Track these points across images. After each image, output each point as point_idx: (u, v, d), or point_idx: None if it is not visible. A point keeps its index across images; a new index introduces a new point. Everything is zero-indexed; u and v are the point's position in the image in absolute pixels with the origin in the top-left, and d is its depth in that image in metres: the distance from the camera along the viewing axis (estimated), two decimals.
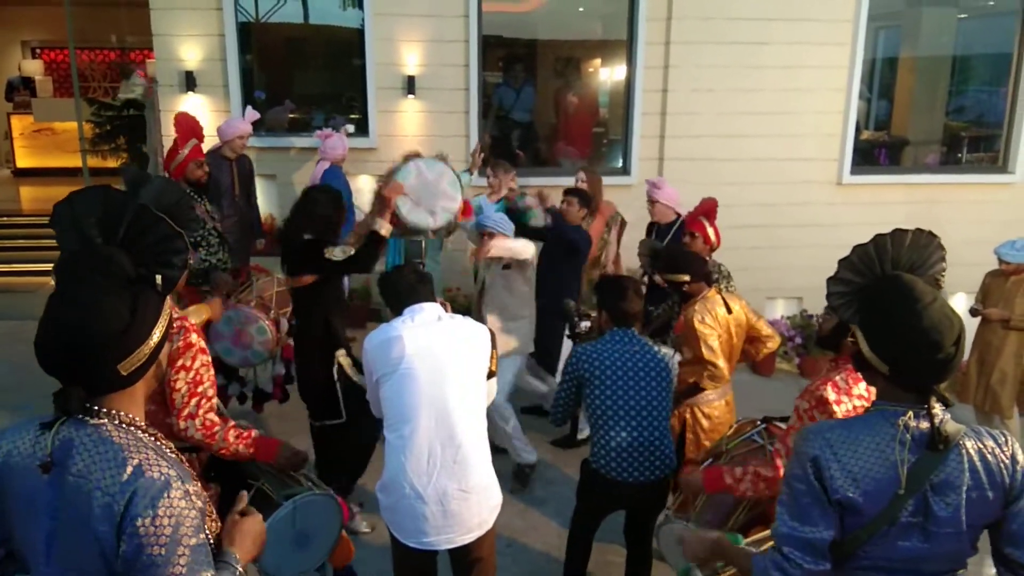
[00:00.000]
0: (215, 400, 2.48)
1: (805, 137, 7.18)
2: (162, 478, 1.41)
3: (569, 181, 5.82)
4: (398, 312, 2.89)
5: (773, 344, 3.87)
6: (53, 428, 1.44)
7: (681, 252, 4.00)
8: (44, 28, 12.64)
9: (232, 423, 2.49)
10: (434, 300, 2.93)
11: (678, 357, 3.81)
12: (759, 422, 2.91)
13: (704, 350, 3.56)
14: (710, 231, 4.46)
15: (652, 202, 5.36)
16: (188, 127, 4.85)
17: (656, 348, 3.31)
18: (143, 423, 1.53)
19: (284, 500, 2.45)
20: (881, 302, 1.68)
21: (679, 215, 5.31)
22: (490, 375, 2.92)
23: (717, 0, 6.81)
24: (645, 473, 3.17)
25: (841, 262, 1.81)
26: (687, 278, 3.67)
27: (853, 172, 7.35)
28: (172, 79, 6.71)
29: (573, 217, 5.00)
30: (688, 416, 3.66)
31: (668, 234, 5.25)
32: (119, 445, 1.43)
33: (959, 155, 8.24)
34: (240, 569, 1.56)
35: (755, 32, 6.90)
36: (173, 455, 1.54)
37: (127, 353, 1.44)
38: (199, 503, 1.47)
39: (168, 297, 1.58)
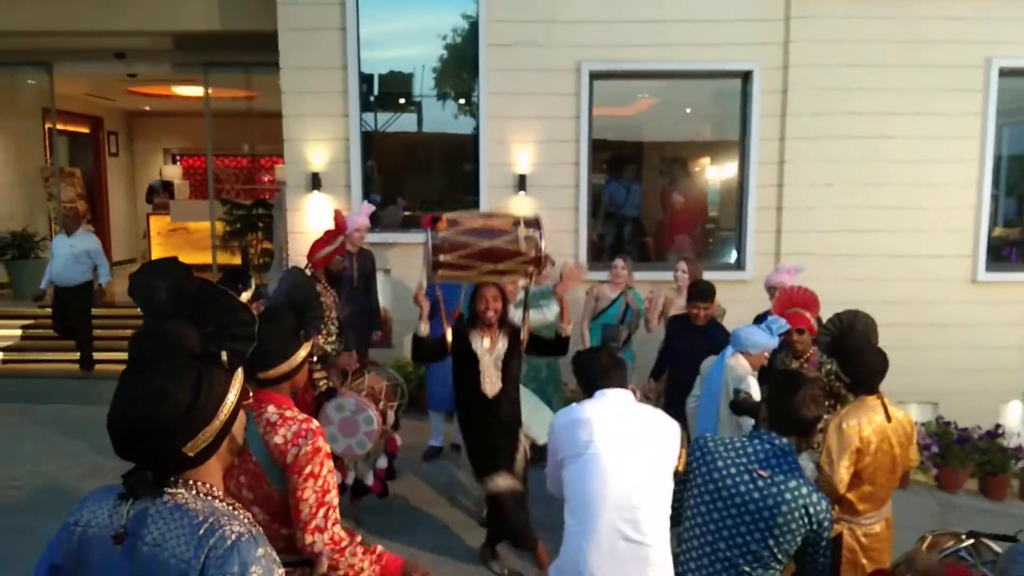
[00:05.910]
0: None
1: (934, 232, 6.87)
2: (233, 535, 1.40)
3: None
4: (589, 394, 2.79)
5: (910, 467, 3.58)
6: (129, 499, 1.44)
7: (874, 351, 3.39)
8: (184, 137, 13.92)
9: (359, 537, 2.26)
10: (626, 387, 2.81)
11: (811, 467, 3.45)
12: (963, 536, 2.60)
13: (823, 456, 3.19)
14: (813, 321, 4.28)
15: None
16: (342, 222, 5.13)
17: (808, 497, 2.42)
18: (220, 493, 1.52)
19: None
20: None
21: None
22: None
23: (833, 95, 6.74)
24: None
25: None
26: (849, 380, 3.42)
27: (988, 269, 6.92)
28: (299, 180, 7.14)
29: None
30: (846, 534, 3.28)
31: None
32: (193, 512, 1.42)
33: None
34: None
35: (875, 126, 6.77)
36: (250, 523, 1.51)
37: (192, 435, 1.44)
38: (279, 570, 1.44)
39: (239, 371, 1.54)
